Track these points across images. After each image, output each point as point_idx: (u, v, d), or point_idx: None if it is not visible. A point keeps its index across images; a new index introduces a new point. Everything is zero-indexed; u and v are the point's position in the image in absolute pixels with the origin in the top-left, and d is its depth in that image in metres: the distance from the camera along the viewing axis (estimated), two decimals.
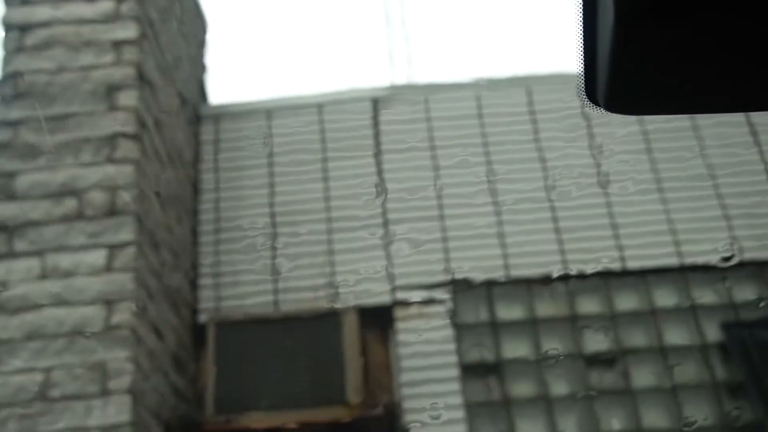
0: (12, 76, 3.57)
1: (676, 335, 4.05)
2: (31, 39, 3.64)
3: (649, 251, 4.21)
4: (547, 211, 4.33)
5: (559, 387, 3.94)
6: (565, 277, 4.17)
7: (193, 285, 4.23)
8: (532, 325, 4.09)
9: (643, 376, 3.94)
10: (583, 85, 0.92)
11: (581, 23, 0.89)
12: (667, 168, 4.42)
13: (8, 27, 3.66)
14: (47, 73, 3.57)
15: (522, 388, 3.93)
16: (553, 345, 4.03)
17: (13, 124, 3.49)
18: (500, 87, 4.80)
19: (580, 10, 0.88)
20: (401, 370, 3.95)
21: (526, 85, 4.78)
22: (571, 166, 4.46)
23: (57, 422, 2.99)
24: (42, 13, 3.67)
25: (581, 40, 0.89)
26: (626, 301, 4.15)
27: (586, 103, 0.93)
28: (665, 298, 4.15)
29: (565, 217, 4.30)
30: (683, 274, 4.18)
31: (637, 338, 4.06)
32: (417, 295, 4.12)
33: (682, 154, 4.47)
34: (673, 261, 4.19)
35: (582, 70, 0.91)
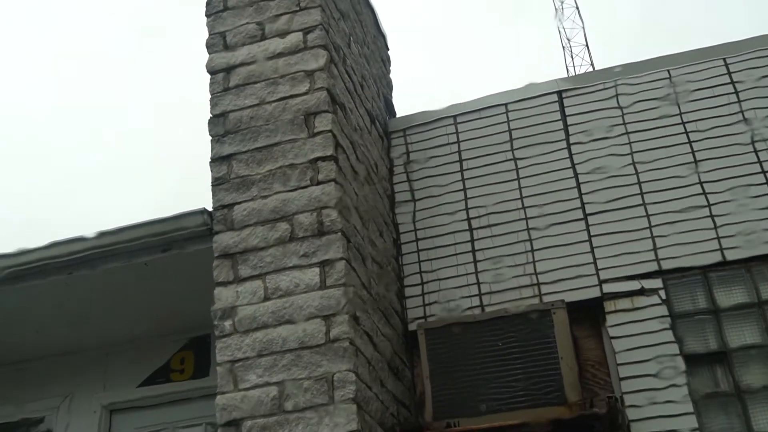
0: (221, 116, 3.88)
1: None
2: (234, 79, 3.93)
3: None
4: (762, 185, 4.03)
5: None
6: None
7: (400, 294, 4.36)
8: (758, 309, 3.82)
9: None
10: None
11: None
12: None
13: (213, 71, 3.98)
14: (251, 108, 3.85)
15: (754, 376, 3.68)
16: None
17: (227, 158, 3.79)
18: (693, 59, 4.54)
19: None
20: (618, 366, 3.83)
21: (723, 54, 4.48)
22: None
23: None
24: (241, 54, 3.96)
25: None
26: None
27: None
28: None
29: None
30: None
31: None
32: (627, 287, 3.98)
33: None
34: None
35: None
